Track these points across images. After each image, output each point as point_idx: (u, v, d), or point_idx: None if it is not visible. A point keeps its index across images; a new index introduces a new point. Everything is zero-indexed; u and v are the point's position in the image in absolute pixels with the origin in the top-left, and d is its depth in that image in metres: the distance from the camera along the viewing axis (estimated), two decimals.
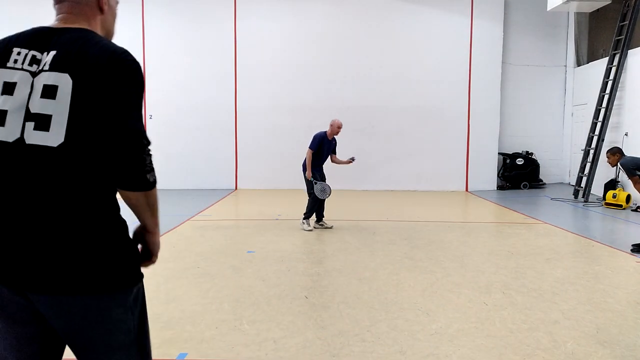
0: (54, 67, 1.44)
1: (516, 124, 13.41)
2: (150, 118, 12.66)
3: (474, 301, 4.22)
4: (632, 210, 9.32)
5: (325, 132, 7.44)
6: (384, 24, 12.66)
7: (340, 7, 12.65)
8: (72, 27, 1.56)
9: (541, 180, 13.14)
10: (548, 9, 11.46)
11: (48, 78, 1.43)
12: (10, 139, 1.41)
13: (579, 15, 12.75)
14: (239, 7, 12.57)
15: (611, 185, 10.18)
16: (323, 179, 7.47)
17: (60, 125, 1.39)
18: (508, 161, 12.97)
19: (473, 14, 12.61)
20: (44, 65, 1.45)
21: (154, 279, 4.91)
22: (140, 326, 1.57)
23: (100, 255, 1.43)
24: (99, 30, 1.63)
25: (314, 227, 7.45)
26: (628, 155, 6.61)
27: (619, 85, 10.65)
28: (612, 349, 3.27)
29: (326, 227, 7.52)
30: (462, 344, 3.35)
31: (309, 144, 7.39)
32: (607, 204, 9.77)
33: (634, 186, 6.20)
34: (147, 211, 1.54)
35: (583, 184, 10.97)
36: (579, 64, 13.03)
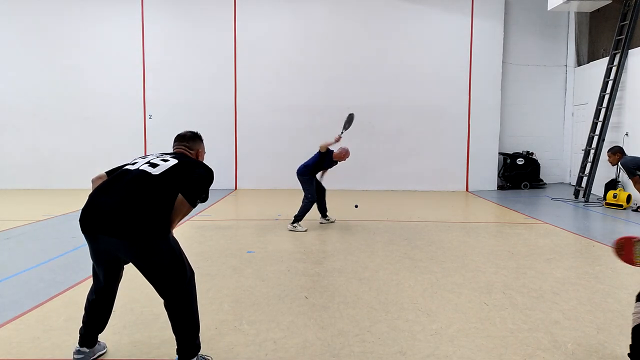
0: (171, 157, 2.99)
1: (516, 124, 13.41)
2: (150, 118, 12.66)
3: (474, 301, 4.21)
4: (633, 210, 9.31)
5: (333, 152, 7.62)
6: (384, 23, 12.65)
7: (340, 7, 12.65)
8: (185, 153, 3.18)
9: (542, 180, 13.13)
10: (548, 8, 11.45)
11: (165, 158, 2.98)
12: (133, 169, 2.90)
13: (579, 15, 12.74)
14: (238, 7, 12.56)
15: (612, 185, 10.17)
16: (318, 184, 7.70)
17: (162, 169, 2.86)
18: (508, 161, 12.96)
19: (473, 13, 12.60)
20: (168, 156, 3.01)
21: None
22: (175, 253, 2.86)
23: (154, 226, 2.74)
24: None
25: (320, 223, 7.78)
26: (629, 155, 6.59)
27: (620, 85, 10.64)
28: (613, 350, 3.27)
29: (331, 222, 7.76)
30: (462, 344, 3.34)
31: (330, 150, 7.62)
32: (607, 204, 9.77)
33: (634, 186, 6.18)
34: (179, 212, 2.85)
35: (583, 184, 10.96)
36: (579, 63, 13.02)
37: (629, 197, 9.58)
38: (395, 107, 12.73)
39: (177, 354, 2.94)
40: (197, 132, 3.29)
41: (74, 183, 12.63)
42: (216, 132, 12.69)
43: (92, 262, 2.97)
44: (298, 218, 7.36)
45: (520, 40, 13.18)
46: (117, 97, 12.61)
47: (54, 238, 6.76)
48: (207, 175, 2.93)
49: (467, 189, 12.84)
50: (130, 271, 5.25)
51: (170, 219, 2.82)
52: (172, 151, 3.18)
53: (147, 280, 2.92)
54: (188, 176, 2.86)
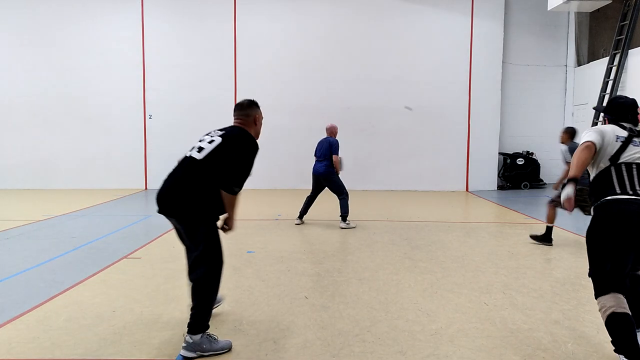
0: (219, 135, 3.28)
1: (516, 124, 13.40)
2: (150, 118, 12.66)
3: (474, 301, 4.21)
4: None
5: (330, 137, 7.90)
6: (384, 23, 12.65)
7: (340, 7, 12.64)
8: (238, 126, 3.44)
9: (542, 180, 13.13)
10: (549, 8, 11.45)
11: (213, 138, 3.28)
12: (188, 155, 3.28)
13: (579, 15, 12.74)
14: (238, 7, 12.56)
15: None
16: (319, 185, 7.89)
17: (206, 152, 3.19)
18: (508, 161, 12.96)
19: (473, 13, 12.60)
20: (217, 134, 3.30)
21: (154, 279, 4.90)
22: (212, 238, 3.20)
23: (202, 210, 3.16)
24: (251, 132, 3.44)
25: (296, 224, 7.84)
26: (573, 143, 6.85)
27: (620, 85, 10.64)
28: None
29: (301, 224, 7.87)
30: (462, 344, 3.34)
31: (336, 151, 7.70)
32: None
33: (563, 173, 6.46)
34: (227, 204, 3.22)
35: None
36: (579, 63, 13.02)
37: None
38: (395, 107, 12.72)
39: (187, 327, 3.16)
40: (252, 100, 3.53)
41: (74, 183, 12.62)
42: None
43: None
44: (346, 215, 7.57)
45: (520, 40, 13.18)
46: (117, 97, 12.60)
47: (54, 238, 6.76)
48: (239, 158, 3.19)
49: (467, 189, 12.84)
50: (130, 272, 5.25)
51: (218, 204, 3.18)
52: (232, 124, 3.45)
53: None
54: (224, 164, 3.15)
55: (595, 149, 3.02)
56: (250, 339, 3.41)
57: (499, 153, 13.07)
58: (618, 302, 2.79)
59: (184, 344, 3.14)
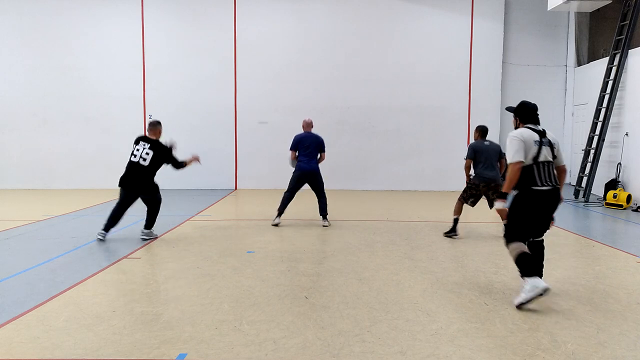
0: (147, 142, 6.67)
1: None
2: (150, 118, 12.65)
3: (474, 301, 4.21)
4: (633, 210, 9.31)
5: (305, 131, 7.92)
6: (384, 23, 12.65)
7: (340, 7, 12.64)
8: (150, 137, 6.75)
9: None
10: (549, 8, 11.44)
11: (146, 148, 6.62)
12: (142, 163, 6.58)
13: (579, 15, 12.74)
14: (238, 7, 12.56)
15: (612, 185, 10.16)
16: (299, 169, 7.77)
17: (148, 161, 6.49)
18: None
19: (473, 13, 12.60)
20: (147, 144, 6.68)
21: (153, 278, 4.91)
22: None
23: (152, 186, 6.68)
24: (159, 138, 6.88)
25: (274, 224, 7.80)
26: (482, 140, 7.14)
27: (620, 85, 10.63)
28: (613, 350, 3.27)
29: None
30: (462, 344, 3.34)
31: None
32: (607, 204, 9.76)
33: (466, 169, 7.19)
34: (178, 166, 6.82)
35: (584, 184, 10.96)
36: (579, 63, 13.01)
37: (629, 197, 9.57)
38: (395, 107, 12.72)
39: (146, 226, 6.63)
40: (158, 120, 6.86)
41: (74, 183, 12.63)
42: (216, 132, 12.69)
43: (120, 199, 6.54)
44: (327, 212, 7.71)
45: (520, 41, 13.17)
46: (117, 97, 12.60)
47: (54, 238, 6.77)
48: (169, 152, 6.65)
49: None
50: (130, 272, 5.24)
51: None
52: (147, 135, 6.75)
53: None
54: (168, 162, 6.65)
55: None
56: (250, 339, 3.41)
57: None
58: (523, 247, 4.06)
59: (144, 233, 6.61)
